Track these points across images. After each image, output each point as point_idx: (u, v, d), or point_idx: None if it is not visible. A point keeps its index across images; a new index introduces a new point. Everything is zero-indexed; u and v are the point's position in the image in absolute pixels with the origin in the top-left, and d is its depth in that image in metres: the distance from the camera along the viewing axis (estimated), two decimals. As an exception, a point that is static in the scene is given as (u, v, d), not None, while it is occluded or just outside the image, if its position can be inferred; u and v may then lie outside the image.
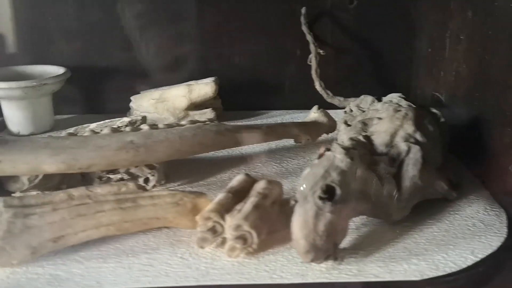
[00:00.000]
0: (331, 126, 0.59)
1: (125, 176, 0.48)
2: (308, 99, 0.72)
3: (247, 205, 0.37)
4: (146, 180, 0.48)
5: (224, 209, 0.36)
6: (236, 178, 0.41)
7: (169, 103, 0.69)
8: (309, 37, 0.68)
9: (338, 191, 0.34)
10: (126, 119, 0.57)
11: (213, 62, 0.73)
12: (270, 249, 0.36)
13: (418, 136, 0.41)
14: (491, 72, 0.46)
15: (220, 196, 0.38)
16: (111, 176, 0.48)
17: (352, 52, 0.72)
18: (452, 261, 0.35)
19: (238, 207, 0.37)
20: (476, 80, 0.50)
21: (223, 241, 0.36)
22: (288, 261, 0.35)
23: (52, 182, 0.45)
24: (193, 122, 0.52)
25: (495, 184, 0.44)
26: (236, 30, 0.71)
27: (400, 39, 0.71)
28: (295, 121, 0.64)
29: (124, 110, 0.70)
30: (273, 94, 0.75)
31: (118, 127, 0.53)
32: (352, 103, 0.59)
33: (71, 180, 0.47)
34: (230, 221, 0.35)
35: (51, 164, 0.39)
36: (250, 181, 0.41)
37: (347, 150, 0.36)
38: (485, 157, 0.46)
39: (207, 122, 0.52)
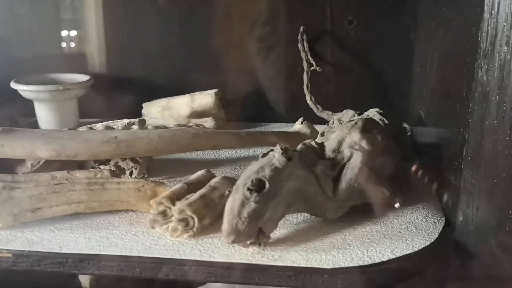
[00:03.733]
0: (313, 137, 0.63)
1: (113, 168, 0.55)
2: (307, 113, 0.76)
3: (195, 194, 0.42)
4: (131, 173, 0.55)
5: (177, 197, 0.42)
6: (196, 173, 0.46)
7: (173, 111, 0.76)
8: (303, 54, 0.73)
9: (267, 185, 0.38)
10: (125, 121, 0.64)
11: (220, 76, 0.79)
12: (212, 234, 0.41)
13: (363, 143, 0.44)
14: (447, 88, 0.49)
15: (176, 186, 0.43)
16: (102, 167, 0.55)
17: (351, 70, 0.75)
18: (369, 256, 0.37)
19: (188, 196, 0.42)
20: (440, 97, 0.53)
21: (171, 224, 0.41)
22: (222, 245, 0.39)
23: (51, 169, 0.53)
24: (180, 125, 0.58)
25: (442, 196, 0.46)
26: (242, 46, 0.77)
27: (396, 58, 0.73)
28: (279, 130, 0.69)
29: (139, 115, 0.78)
30: (275, 107, 0.80)
31: (117, 127, 0.61)
32: (335, 117, 0.62)
33: (69, 168, 0.55)
34: (177, 206, 0.40)
35: (43, 151, 0.47)
36: (209, 176, 0.46)
37: (285, 150, 0.40)
38: (439, 170, 0.48)
39: (191, 126, 0.58)
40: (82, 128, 0.63)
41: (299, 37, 0.74)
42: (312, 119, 0.69)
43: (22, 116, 0.76)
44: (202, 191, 0.42)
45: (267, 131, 0.62)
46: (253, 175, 0.39)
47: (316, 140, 0.56)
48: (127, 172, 0.55)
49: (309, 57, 0.73)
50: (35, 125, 0.79)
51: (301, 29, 0.74)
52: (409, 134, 0.53)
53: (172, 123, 0.76)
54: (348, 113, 0.61)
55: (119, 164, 0.55)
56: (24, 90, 0.73)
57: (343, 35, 0.75)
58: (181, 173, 0.56)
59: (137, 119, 0.66)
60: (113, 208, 0.44)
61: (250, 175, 0.39)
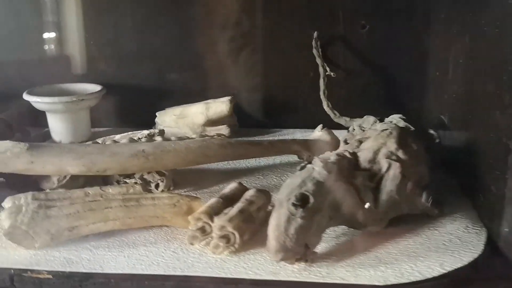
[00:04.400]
0: (334, 144, 0.63)
1: (139, 181, 0.54)
2: (320, 119, 0.76)
3: (234, 209, 0.41)
4: (157, 186, 0.54)
5: (214, 212, 0.41)
6: (229, 186, 0.46)
7: (188, 119, 0.75)
8: (318, 60, 0.72)
9: (312, 199, 0.37)
10: (145, 132, 0.63)
11: (231, 82, 0.79)
12: (252, 249, 0.40)
13: (400, 153, 0.44)
14: (481, 95, 0.48)
15: (211, 200, 0.43)
16: (127, 180, 0.54)
17: (364, 75, 0.75)
18: (418, 271, 0.37)
19: (226, 210, 0.41)
20: (469, 102, 0.53)
21: (210, 240, 0.40)
22: (265, 261, 0.39)
23: (78, 183, 0.52)
24: (203, 136, 0.57)
25: (481, 204, 0.46)
26: (253, 52, 0.77)
27: (410, 63, 0.73)
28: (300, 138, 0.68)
29: (152, 124, 0.77)
30: (287, 113, 0.79)
31: (139, 138, 0.60)
32: (355, 123, 0.62)
33: (93, 182, 0.54)
34: (216, 222, 0.40)
35: (73, 166, 0.46)
36: (242, 189, 0.45)
37: (325, 163, 0.40)
38: (475, 178, 0.48)
39: (214, 136, 0.57)
40: (99, 140, 0.62)
41: (313, 42, 0.74)
42: (319, 123, 0.66)
43: (32, 126, 0.74)
44: (239, 205, 0.42)
45: (288, 140, 0.61)
46: (296, 189, 0.38)
47: (340, 148, 0.56)
48: (153, 185, 0.54)
49: (324, 63, 0.73)
50: (47, 136, 0.77)
51: (315, 34, 0.73)
52: (437, 141, 0.53)
53: (188, 132, 0.76)
54: (368, 119, 0.61)
55: (144, 177, 0.55)
56: (38, 102, 0.72)
57: (355, 39, 0.74)
58: (206, 184, 0.55)
59: (157, 130, 0.65)
60: (147, 224, 0.43)
61: (292, 190, 0.38)
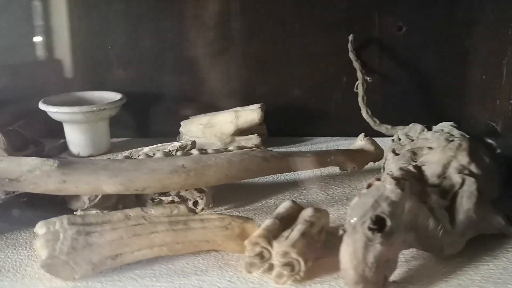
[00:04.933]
0: (378, 154, 0.59)
1: (176, 199, 0.50)
2: (353, 127, 0.72)
3: (294, 232, 0.37)
4: (195, 203, 0.50)
5: (272, 235, 0.37)
6: (283, 205, 0.41)
7: (216, 129, 0.71)
8: (356, 64, 0.69)
9: (389, 222, 0.33)
10: (176, 144, 0.59)
11: (259, 89, 0.75)
12: (318, 277, 0.36)
13: (473, 167, 0.40)
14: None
15: (267, 222, 0.38)
16: (163, 198, 0.50)
17: (400, 79, 0.72)
18: (511, 302, 0.33)
19: (285, 233, 0.37)
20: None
21: (270, 267, 0.36)
22: (335, 291, 0.34)
23: (110, 202, 0.48)
24: (240, 148, 0.53)
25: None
26: (282, 56, 0.73)
27: (450, 66, 0.70)
28: (340, 148, 0.64)
29: (174, 134, 0.73)
30: (318, 121, 0.75)
31: (170, 151, 0.56)
32: (400, 132, 0.58)
33: (126, 200, 0.49)
34: (278, 248, 0.35)
35: (110, 185, 0.42)
36: (297, 208, 0.41)
37: (397, 180, 0.36)
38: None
39: (253, 148, 0.53)
40: (126, 153, 0.58)
41: (349, 46, 0.70)
42: (353, 131, 0.64)
43: (46, 137, 0.70)
44: (300, 227, 0.37)
45: (333, 150, 0.57)
46: (370, 211, 0.34)
47: (389, 158, 0.52)
48: (190, 203, 0.50)
49: (361, 67, 0.69)
50: (63, 147, 0.73)
51: (351, 37, 0.70)
52: (498, 151, 0.49)
53: (216, 142, 0.72)
54: (415, 128, 0.57)
55: (181, 194, 0.50)
56: (55, 112, 0.68)
57: (391, 42, 0.71)
58: (247, 201, 0.51)
59: (189, 141, 0.61)
60: (196, 250, 0.39)
61: (365, 212, 0.34)
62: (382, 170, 0.57)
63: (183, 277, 0.37)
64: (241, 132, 0.71)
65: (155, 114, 0.78)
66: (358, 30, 0.70)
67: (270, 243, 0.36)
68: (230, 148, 0.53)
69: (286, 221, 0.39)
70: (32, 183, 0.40)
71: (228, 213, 0.44)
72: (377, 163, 0.59)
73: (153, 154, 0.53)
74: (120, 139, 0.76)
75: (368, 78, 0.69)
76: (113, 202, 0.48)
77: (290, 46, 0.73)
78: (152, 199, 0.50)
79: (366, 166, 0.59)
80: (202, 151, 0.51)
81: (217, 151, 0.52)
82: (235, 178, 0.48)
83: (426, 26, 0.69)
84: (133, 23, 0.74)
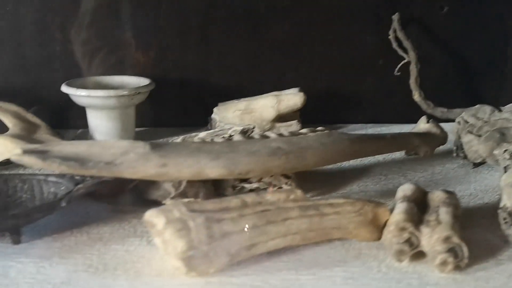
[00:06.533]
0: (444, 138, 0.57)
1: (261, 186, 0.45)
2: (388, 112, 0.71)
3: (445, 215, 0.34)
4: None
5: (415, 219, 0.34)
6: (405, 188, 0.38)
7: (256, 114, 0.66)
8: (407, 44, 0.66)
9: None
10: (237, 128, 0.54)
11: (289, 74, 0.70)
12: (477, 263, 0.33)
13: None
14: None
15: (403, 205, 0.35)
16: (246, 185, 0.45)
17: (439, 60, 0.70)
18: None
19: (429, 217, 0.34)
20: None
21: (420, 254, 0.33)
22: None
23: (193, 190, 0.42)
24: (313, 130, 0.49)
25: None
26: (314, 39, 0.69)
27: (492, 47, 0.68)
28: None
29: (201, 121, 0.67)
30: (351, 107, 0.72)
31: (230, 135, 0.51)
32: (465, 114, 0.57)
33: (205, 188, 0.44)
34: (437, 233, 0.32)
35: (213, 169, 0.37)
36: (421, 191, 0.39)
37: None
38: None
39: (323, 131, 0.49)
40: (178, 140, 0.52)
41: (396, 25, 0.67)
42: (388, 118, 0.62)
43: (60, 128, 0.62)
44: (448, 210, 0.34)
45: (407, 133, 0.55)
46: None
47: (465, 140, 0.51)
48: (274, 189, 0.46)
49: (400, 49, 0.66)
50: (84, 137, 0.65)
51: (396, 16, 0.67)
52: None
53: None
54: (484, 109, 0.55)
55: (263, 180, 0.46)
56: (86, 96, 0.60)
57: (432, 22, 0.68)
58: (328, 187, 0.48)
59: (250, 125, 0.56)
60: (327, 238, 0.35)
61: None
62: (454, 154, 0.56)
63: (325, 269, 0.33)
64: (280, 118, 0.67)
65: (177, 101, 0.71)
66: (398, 9, 0.67)
67: (417, 228, 0.33)
68: (302, 131, 0.49)
69: (418, 204, 0.36)
70: (130, 167, 0.34)
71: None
72: (442, 146, 0.57)
73: (211, 140, 0.48)
74: (140, 129, 0.69)
75: (410, 59, 0.67)
76: (195, 191, 0.43)
77: (323, 27, 0.69)
78: (233, 187, 0.45)
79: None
80: (279, 134, 0.47)
81: (293, 134, 0.48)
82: (330, 161, 0.45)
83: (468, 6, 0.68)
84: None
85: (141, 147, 0.36)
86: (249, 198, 0.34)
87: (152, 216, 0.31)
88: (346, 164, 0.53)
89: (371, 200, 0.37)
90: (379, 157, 0.56)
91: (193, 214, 0.31)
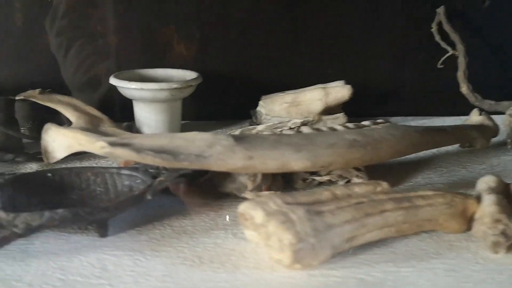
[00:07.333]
0: (496, 130, 0.57)
1: (333, 178, 0.45)
2: (429, 105, 0.70)
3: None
4: (348, 182, 0.45)
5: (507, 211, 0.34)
6: (488, 179, 0.38)
7: (303, 107, 0.66)
8: (455, 36, 0.65)
9: None
10: (297, 121, 0.54)
11: (331, 66, 0.70)
12: None
13: None
14: None
15: (492, 197, 0.35)
16: (316, 178, 0.45)
17: (480, 53, 0.68)
18: None
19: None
20: None
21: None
22: None
23: (266, 183, 0.42)
24: (375, 122, 0.49)
25: None
26: (354, 32, 0.68)
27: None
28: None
29: (241, 115, 0.66)
30: (391, 100, 0.71)
31: (290, 128, 0.51)
32: (516, 106, 0.56)
33: (276, 181, 0.44)
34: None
35: (298, 161, 0.36)
36: (502, 182, 0.38)
37: None
38: None
39: (385, 123, 0.49)
40: (236, 133, 0.52)
41: (442, 18, 0.66)
42: (428, 110, 0.61)
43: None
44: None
45: (465, 125, 0.55)
46: None
47: None
48: (343, 182, 0.45)
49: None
50: (129, 130, 0.65)
51: (441, 9, 0.66)
52: None
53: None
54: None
55: (334, 172, 0.45)
56: (139, 89, 0.59)
57: (474, 16, 0.68)
58: (394, 179, 0.46)
59: (310, 118, 0.56)
60: (419, 230, 0.34)
61: None
62: (509, 146, 0.56)
63: (422, 261, 0.32)
64: (326, 111, 0.66)
65: (218, 94, 0.71)
66: (440, 2, 0.66)
67: (510, 220, 0.33)
68: (365, 123, 0.49)
69: (505, 196, 0.36)
70: (219, 159, 0.34)
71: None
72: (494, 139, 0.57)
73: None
74: (185, 122, 0.68)
75: (455, 53, 0.66)
76: (268, 183, 0.42)
77: (364, 20, 0.68)
78: (303, 180, 0.45)
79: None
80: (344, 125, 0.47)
81: (357, 126, 0.48)
82: (403, 153, 0.44)
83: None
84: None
85: (225, 139, 0.35)
86: (339, 190, 0.34)
87: (249, 208, 0.31)
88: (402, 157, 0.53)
89: (459, 192, 0.36)
90: (434, 150, 0.56)
91: (292, 207, 0.30)
